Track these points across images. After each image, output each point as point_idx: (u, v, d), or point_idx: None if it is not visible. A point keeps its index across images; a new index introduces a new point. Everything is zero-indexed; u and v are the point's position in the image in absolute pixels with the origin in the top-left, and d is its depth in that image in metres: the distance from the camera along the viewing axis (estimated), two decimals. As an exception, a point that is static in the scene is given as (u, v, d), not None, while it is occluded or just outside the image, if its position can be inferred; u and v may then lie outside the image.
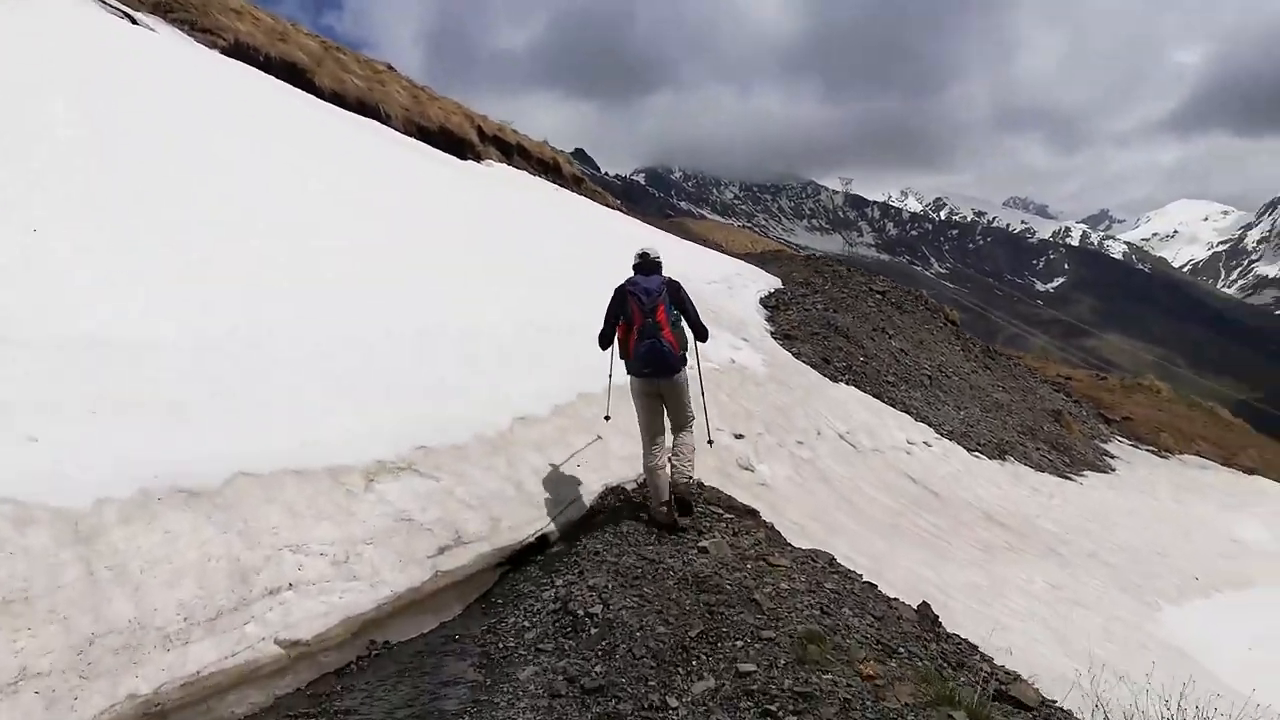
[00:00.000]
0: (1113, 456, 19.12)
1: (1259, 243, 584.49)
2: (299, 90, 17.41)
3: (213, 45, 17.48)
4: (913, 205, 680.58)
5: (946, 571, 7.64)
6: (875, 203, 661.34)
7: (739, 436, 8.39)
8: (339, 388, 5.72)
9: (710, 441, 6.57)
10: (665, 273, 5.89)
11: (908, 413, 13.60)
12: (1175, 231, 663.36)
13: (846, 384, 13.38)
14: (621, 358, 5.71)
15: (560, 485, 5.73)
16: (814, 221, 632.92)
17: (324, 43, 22.93)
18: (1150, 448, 22.04)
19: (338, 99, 19.16)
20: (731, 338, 12.05)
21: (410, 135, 20.23)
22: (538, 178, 26.96)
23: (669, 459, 5.73)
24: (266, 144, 11.29)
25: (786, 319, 16.22)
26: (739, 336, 12.38)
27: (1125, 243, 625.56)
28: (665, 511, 5.54)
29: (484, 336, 7.65)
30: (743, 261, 23.37)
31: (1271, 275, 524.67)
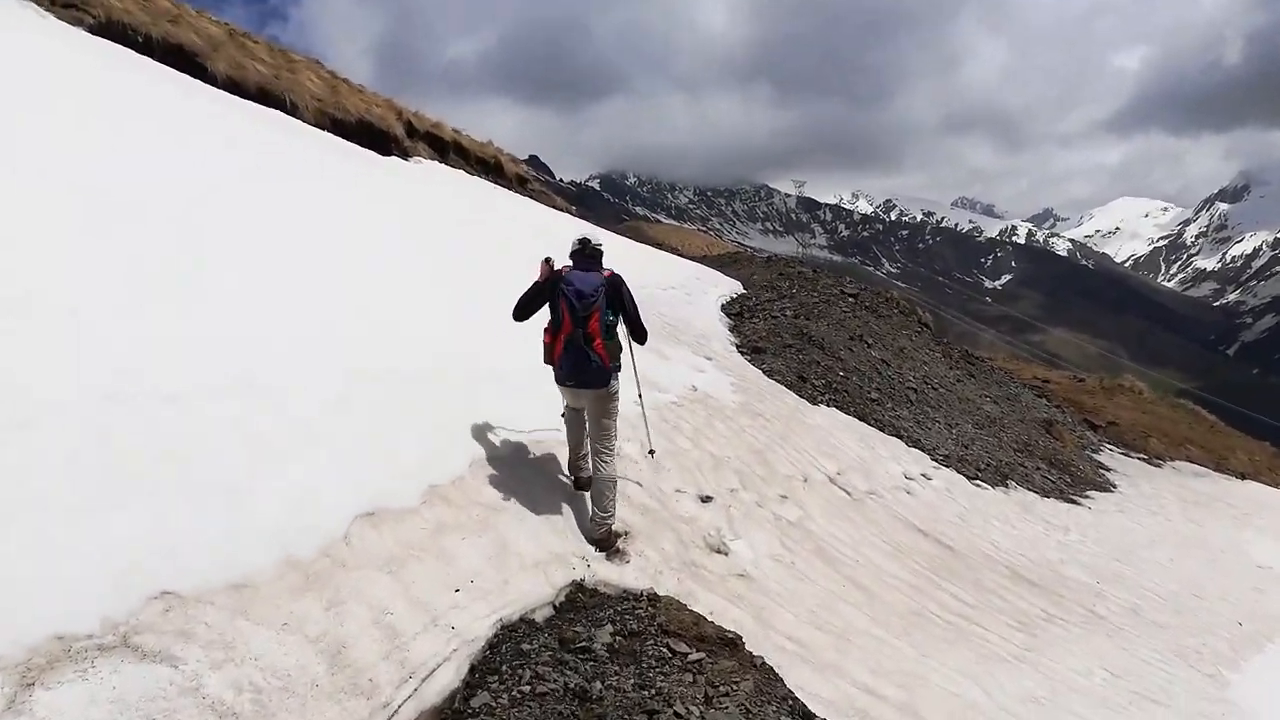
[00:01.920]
0: (1109, 470, 17.40)
1: (1197, 237, 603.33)
2: (181, 74, 14.85)
3: (77, 22, 14.92)
4: (864, 207, 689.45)
5: (994, 680, 5.55)
6: (827, 205, 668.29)
7: (706, 500, 6.19)
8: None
9: (651, 451, 6.20)
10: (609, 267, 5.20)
11: (899, 437, 11.58)
12: (1117, 228, 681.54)
13: (827, 405, 11.31)
14: (546, 361, 5.07)
15: (421, 637, 3.43)
16: (768, 224, 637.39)
17: (230, 29, 20.31)
18: (1141, 455, 20.50)
19: (234, 87, 16.63)
20: (693, 357, 9.86)
21: (323, 128, 17.77)
22: (477, 178, 24.64)
23: (591, 508, 5.14)
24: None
25: (753, 329, 14.13)
26: (702, 355, 10.21)
27: (1069, 240, 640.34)
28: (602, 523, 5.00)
29: (321, 379, 5.04)
30: (700, 265, 21.33)
31: (1209, 269, 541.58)
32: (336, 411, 4.60)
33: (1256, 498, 19.11)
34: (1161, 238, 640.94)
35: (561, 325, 4.87)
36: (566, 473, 5.40)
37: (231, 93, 16.16)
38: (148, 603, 2.98)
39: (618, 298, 5.04)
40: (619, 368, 5.07)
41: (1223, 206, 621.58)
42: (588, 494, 5.24)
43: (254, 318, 5.25)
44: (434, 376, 5.61)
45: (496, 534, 4.28)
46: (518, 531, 4.39)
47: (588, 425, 5.18)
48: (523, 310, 5.10)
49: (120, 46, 14.32)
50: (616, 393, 5.11)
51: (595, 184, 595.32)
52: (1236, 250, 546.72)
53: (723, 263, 25.19)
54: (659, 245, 36.57)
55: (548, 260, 5.07)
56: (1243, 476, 21.42)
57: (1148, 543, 12.34)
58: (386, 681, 3.15)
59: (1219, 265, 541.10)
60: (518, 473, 5.06)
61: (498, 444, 5.22)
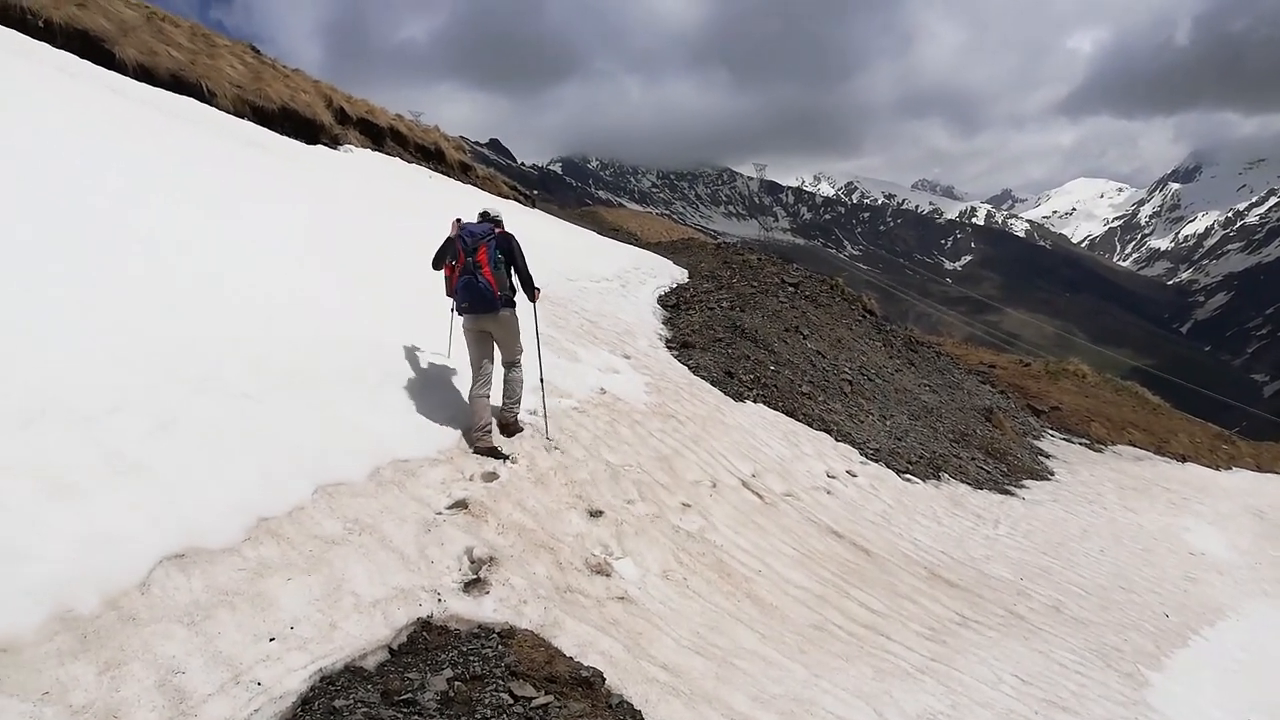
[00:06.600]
0: (1049, 457, 17.45)
1: (1151, 218, 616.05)
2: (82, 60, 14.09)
3: (-30, 7, 14.10)
4: (825, 190, 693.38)
5: (889, 698, 5.35)
6: (789, 188, 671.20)
7: (596, 515, 5.90)
8: None
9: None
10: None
11: (827, 431, 11.40)
12: (1074, 209, 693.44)
13: (754, 401, 11.08)
14: (447, 294, 6.30)
15: (215, 698, 3.05)
16: (730, 208, 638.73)
17: (150, 11, 19.44)
18: (1083, 440, 20.62)
19: (146, 74, 15.91)
20: (609, 356, 9.54)
21: (243, 117, 17.09)
22: (416, 165, 24.01)
23: (501, 398, 6.56)
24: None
25: (687, 322, 13.87)
26: (620, 353, 9.89)
27: (1028, 221, 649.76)
28: (481, 437, 6.03)
29: (152, 399, 4.54)
30: (649, 252, 21.01)
31: (1163, 248, 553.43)
32: (163, 437, 4.17)
33: (1195, 481, 19.22)
34: (1116, 218, 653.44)
35: (457, 259, 6.07)
36: (467, 398, 6.39)
37: (143, 81, 15.47)
38: None
39: (508, 249, 6.21)
40: (511, 301, 6.25)
41: (1175, 186, 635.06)
42: (446, 523, 4.92)
43: (78, 337, 4.80)
44: (285, 392, 5.17)
45: (331, 572, 3.92)
46: (358, 568, 4.04)
47: (497, 347, 6.38)
48: (438, 258, 6.37)
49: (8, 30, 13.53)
50: (511, 318, 6.29)
51: (557, 168, 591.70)
52: (1189, 230, 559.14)
53: (675, 249, 24.94)
54: (617, 230, 36.16)
55: (457, 220, 6.20)
56: (1183, 459, 21.62)
57: (1080, 534, 12.29)
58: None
59: (1172, 245, 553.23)
60: (372, 500, 4.68)
61: (352, 467, 4.84)
